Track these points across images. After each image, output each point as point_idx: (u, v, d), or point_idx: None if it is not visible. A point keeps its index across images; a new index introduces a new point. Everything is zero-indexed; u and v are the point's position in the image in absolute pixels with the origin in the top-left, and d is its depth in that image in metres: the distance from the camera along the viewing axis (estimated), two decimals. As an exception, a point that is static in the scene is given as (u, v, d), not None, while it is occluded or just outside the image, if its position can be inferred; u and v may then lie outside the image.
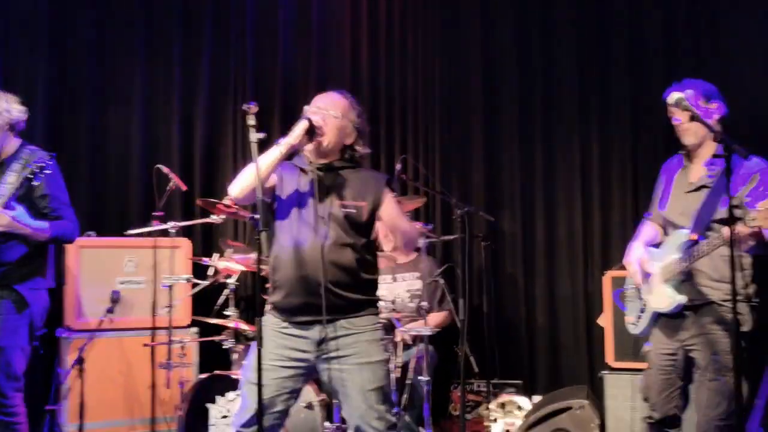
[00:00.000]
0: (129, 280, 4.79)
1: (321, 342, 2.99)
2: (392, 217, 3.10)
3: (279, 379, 2.96)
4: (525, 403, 5.09)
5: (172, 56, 5.57)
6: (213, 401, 4.02)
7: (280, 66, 5.72)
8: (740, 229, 2.94)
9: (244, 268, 4.47)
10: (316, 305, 2.92)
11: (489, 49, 5.57)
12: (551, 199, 5.44)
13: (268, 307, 3.06)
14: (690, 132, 3.31)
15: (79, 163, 5.32)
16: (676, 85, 3.29)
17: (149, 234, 4.39)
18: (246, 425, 2.95)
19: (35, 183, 3.33)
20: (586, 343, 5.29)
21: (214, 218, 4.40)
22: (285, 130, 3.01)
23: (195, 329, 4.87)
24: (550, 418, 4.55)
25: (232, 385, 3.98)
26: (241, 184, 2.95)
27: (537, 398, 5.16)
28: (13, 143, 3.55)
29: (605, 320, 4.75)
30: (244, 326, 4.35)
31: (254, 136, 2.71)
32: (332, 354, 3.00)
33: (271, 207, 3.06)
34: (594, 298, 5.26)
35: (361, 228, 3.06)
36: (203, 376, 4.10)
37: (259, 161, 2.81)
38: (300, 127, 2.96)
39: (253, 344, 3.04)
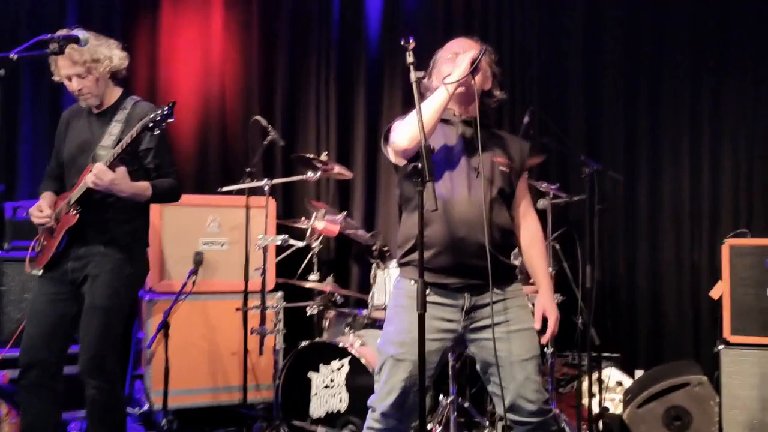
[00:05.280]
0: (212, 241, 4.49)
1: (470, 310, 2.68)
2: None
3: (426, 353, 2.64)
4: (625, 378, 4.79)
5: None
6: (316, 370, 3.74)
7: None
8: None
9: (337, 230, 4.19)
10: (469, 267, 2.62)
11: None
12: (656, 157, 5.09)
13: (401, 268, 2.74)
14: None
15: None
16: None
17: (240, 192, 4.09)
18: (395, 406, 2.64)
19: (154, 133, 2.96)
20: (691, 316, 4.96)
21: (310, 175, 4.07)
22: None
23: (280, 293, 4.57)
24: (665, 395, 4.26)
25: (336, 353, 3.70)
26: (410, 133, 2.58)
27: (639, 372, 4.88)
28: (115, 92, 3.23)
29: (721, 292, 4.40)
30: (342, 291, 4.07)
31: (414, 75, 2.38)
32: (483, 323, 2.69)
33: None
34: (700, 267, 4.93)
35: (512, 191, 2.79)
36: (304, 343, 3.82)
37: (426, 105, 2.52)
38: (466, 61, 2.59)
39: (395, 312, 2.73)
